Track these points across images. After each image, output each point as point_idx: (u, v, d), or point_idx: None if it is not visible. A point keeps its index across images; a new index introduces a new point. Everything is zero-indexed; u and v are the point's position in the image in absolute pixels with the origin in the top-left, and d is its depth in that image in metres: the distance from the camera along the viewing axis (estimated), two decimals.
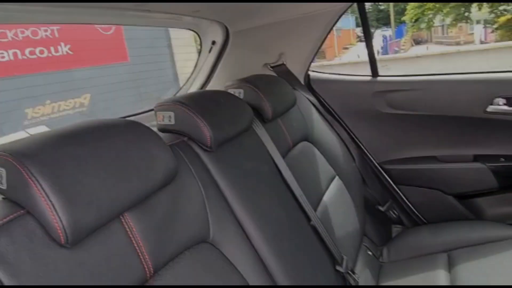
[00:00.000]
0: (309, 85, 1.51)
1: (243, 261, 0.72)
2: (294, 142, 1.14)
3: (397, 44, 16.52)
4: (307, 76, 1.51)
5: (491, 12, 11.88)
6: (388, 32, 19.19)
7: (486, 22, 13.62)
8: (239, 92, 1.06)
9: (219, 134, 0.79)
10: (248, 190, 0.81)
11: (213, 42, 1.35)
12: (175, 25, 1.27)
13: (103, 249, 0.51)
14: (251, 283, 0.71)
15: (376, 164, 1.46)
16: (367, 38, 1.39)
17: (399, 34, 18.35)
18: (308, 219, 0.96)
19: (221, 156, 0.81)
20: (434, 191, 1.39)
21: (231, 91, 1.07)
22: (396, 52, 15.26)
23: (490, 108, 1.25)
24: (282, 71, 1.38)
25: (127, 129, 0.59)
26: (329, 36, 1.41)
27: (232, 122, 0.86)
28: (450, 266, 1.12)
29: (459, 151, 1.34)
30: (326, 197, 1.13)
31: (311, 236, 0.95)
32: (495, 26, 12.67)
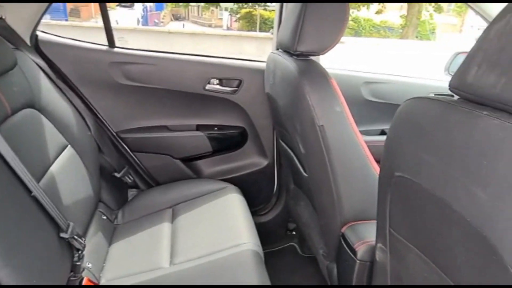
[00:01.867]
0: (37, 46, 1.38)
1: None
2: (14, 109, 1.03)
3: (157, 16, 16.76)
4: (34, 37, 1.37)
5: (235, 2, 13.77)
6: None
7: (231, 10, 15.71)
8: None
9: None
10: None
11: None
12: None
13: None
14: None
15: (114, 133, 1.52)
16: (103, 10, 1.39)
17: (159, 7, 18.64)
18: (29, 190, 0.91)
19: None
20: (165, 156, 1.58)
21: None
22: (156, 24, 15.51)
23: (208, 87, 1.52)
24: (0, 27, 1.20)
25: None
26: None
27: None
28: (173, 218, 1.33)
29: (185, 121, 1.57)
30: (54, 167, 1.10)
31: (32, 207, 0.91)
32: (238, 16, 14.82)
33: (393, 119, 0.70)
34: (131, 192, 1.54)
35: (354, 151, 0.99)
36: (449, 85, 0.58)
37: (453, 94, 0.59)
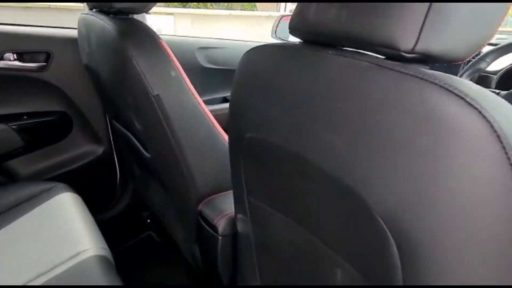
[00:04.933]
0: None
1: None
2: None
3: None
4: None
5: None
6: None
7: None
8: None
9: None
10: None
11: None
12: None
13: None
14: None
15: None
16: None
17: None
18: None
19: None
20: None
21: None
22: None
23: (2, 63, 1.16)
24: None
25: None
26: None
27: None
28: None
29: None
30: None
31: None
32: None
33: (234, 75, 0.62)
34: None
35: (197, 119, 0.89)
36: (289, 28, 0.52)
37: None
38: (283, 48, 0.52)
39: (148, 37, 0.84)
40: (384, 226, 0.40)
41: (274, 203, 0.63)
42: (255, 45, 0.59)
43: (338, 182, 0.44)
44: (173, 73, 0.85)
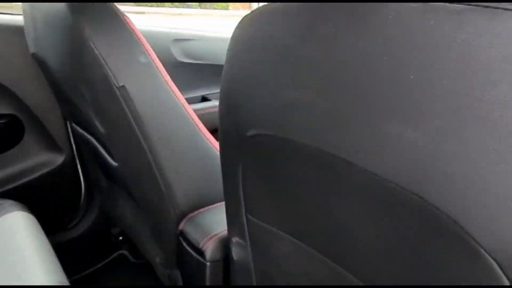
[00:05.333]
0: None
1: None
2: None
3: None
4: None
5: None
6: None
7: None
8: None
9: None
10: None
11: None
12: None
13: None
14: None
15: None
16: None
17: None
18: None
19: None
20: None
21: None
22: None
23: None
24: None
25: None
26: None
27: None
28: None
29: None
30: None
31: None
32: None
33: (228, 50, 0.45)
34: None
35: (176, 118, 0.71)
36: None
37: None
38: (305, 4, 0.36)
39: (110, 14, 0.66)
40: (496, 266, 0.24)
41: (284, 224, 0.46)
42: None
43: (408, 196, 0.28)
44: (142, 59, 0.67)
